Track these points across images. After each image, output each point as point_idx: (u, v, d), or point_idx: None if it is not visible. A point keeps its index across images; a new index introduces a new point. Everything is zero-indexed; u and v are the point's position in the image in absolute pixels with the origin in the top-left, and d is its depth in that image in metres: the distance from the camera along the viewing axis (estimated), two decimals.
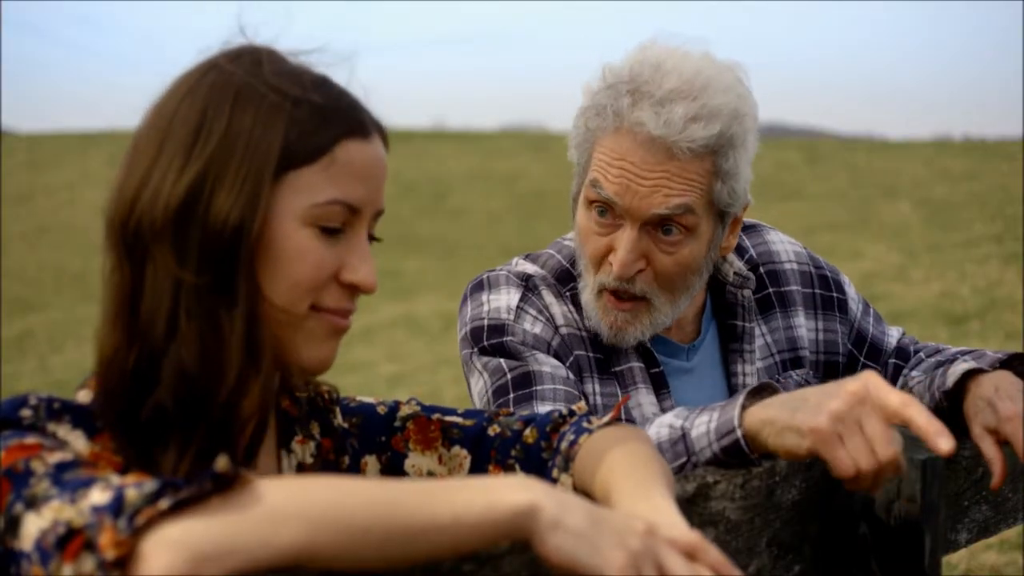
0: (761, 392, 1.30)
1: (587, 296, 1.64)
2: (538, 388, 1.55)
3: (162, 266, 1.00)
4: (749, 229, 1.84)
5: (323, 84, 1.07)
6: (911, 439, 1.22)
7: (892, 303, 8.63)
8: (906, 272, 9.80)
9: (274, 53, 1.08)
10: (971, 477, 1.56)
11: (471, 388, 1.64)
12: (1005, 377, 1.50)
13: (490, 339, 1.61)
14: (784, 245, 1.83)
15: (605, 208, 1.60)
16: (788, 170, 18.34)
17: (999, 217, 11.85)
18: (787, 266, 1.80)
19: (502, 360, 1.59)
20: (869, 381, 1.19)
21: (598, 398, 1.64)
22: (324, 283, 1.05)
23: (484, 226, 16.85)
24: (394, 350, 9.51)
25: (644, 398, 1.64)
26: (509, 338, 1.60)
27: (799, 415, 1.19)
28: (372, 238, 1.11)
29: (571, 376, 1.60)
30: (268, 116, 1.02)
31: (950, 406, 1.55)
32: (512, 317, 1.62)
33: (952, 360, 1.65)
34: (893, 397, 1.17)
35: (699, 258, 1.62)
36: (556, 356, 1.62)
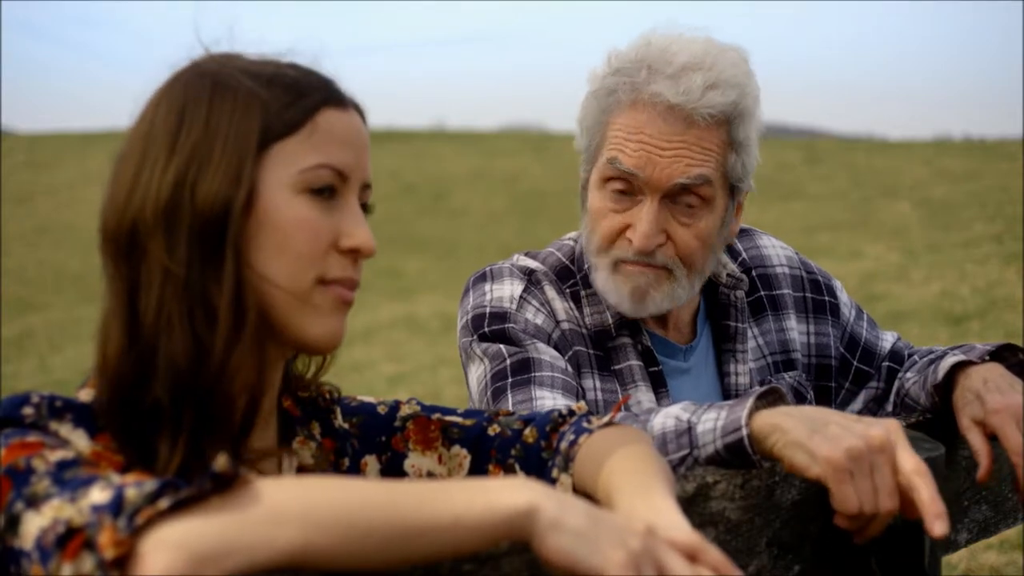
0: (768, 396, 1.30)
1: (603, 277, 1.64)
2: (536, 374, 1.55)
3: (154, 261, 1.02)
4: (741, 233, 1.84)
5: (294, 64, 1.10)
6: (909, 439, 1.22)
7: (892, 303, 8.63)
8: (906, 272, 9.79)
9: (240, 53, 1.11)
10: (971, 477, 1.56)
11: (469, 376, 1.64)
12: (994, 369, 1.50)
13: (491, 326, 1.62)
14: (776, 249, 1.84)
15: (624, 185, 1.61)
16: (788, 170, 18.34)
17: (999, 217, 11.85)
18: (778, 270, 1.81)
19: (502, 346, 1.59)
20: (892, 432, 1.18)
21: (599, 394, 1.64)
22: (324, 252, 1.06)
23: (484, 226, 16.85)
24: (394, 350, 9.51)
25: (643, 396, 1.65)
26: (511, 325, 1.61)
27: (816, 438, 1.18)
28: (364, 209, 1.12)
29: (570, 368, 1.60)
30: (245, 100, 1.05)
31: (941, 400, 1.55)
32: (514, 306, 1.63)
33: (943, 356, 1.66)
34: (909, 460, 1.17)
35: (714, 233, 1.64)
36: (556, 348, 1.62)
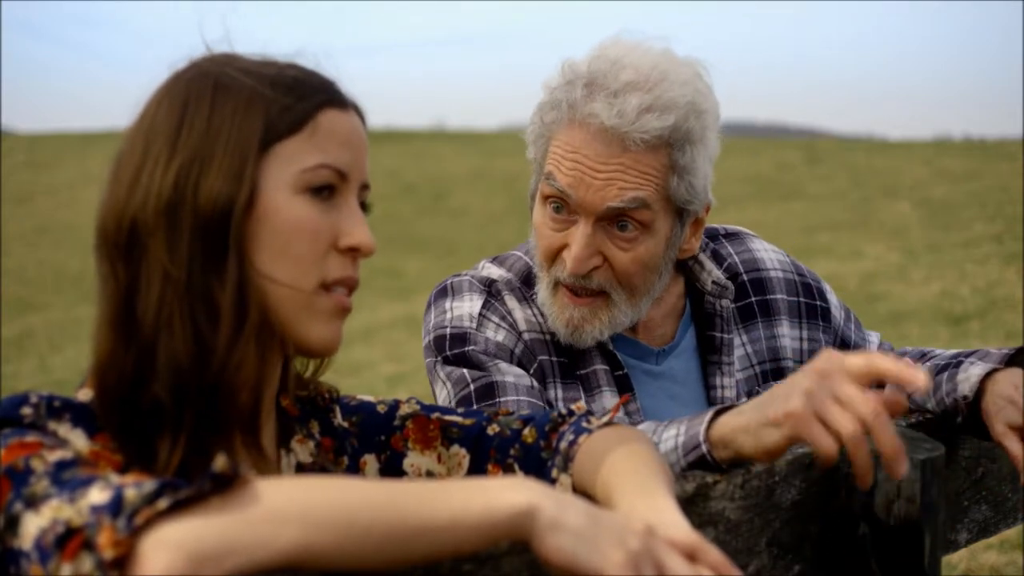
0: (729, 409, 1.29)
1: (543, 294, 1.62)
2: (501, 400, 1.53)
3: (155, 260, 1.01)
4: (732, 236, 1.81)
5: (295, 65, 1.10)
6: (909, 439, 1.22)
7: (892, 303, 8.63)
8: (906, 272, 9.79)
9: (240, 53, 1.11)
10: (971, 477, 1.56)
11: (435, 397, 1.62)
12: (1021, 374, 1.49)
13: (452, 348, 1.60)
14: (768, 253, 1.81)
15: (560, 204, 1.58)
16: (788, 170, 18.34)
17: (999, 217, 11.85)
18: (772, 274, 1.78)
19: (465, 370, 1.57)
20: (828, 355, 1.18)
21: (560, 404, 1.62)
22: (324, 252, 1.06)
23: (484, 226, 16.84)
24: (394, 350, 9.51)
25: (608, 401, 1.62)
26: (471, 348, 1.59)
27: (771, 410, 1.18)
28: (363, 209, 1.12)
29: (535, 385, 1.58)
30: (247, 100, 1.05)
31: (968, 408, 1.53)
32: (474, 325, 1.61)
33: (956, 364, 1.64)
34: (856, 359, 1.16)
35: (656, 256, 1.60)
36: (519, 364, 1.60)
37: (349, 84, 1.12)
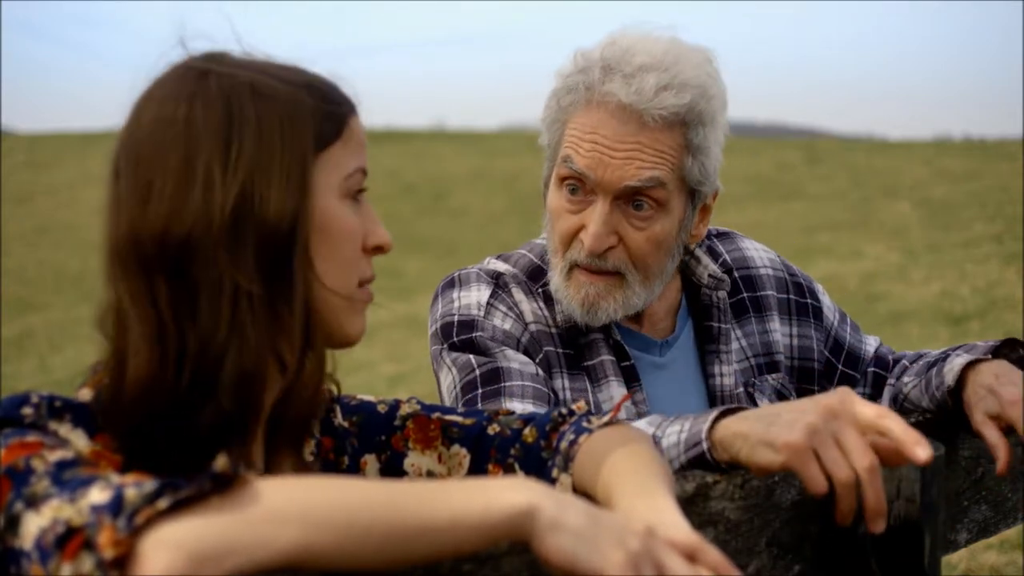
0: (735, 412, 1.28)
1: (557, 279, 1.64)
2: (506, 384, 1.55)
3: (216, 276, 0.99)
4: (723, 236, 1.84)
5: (313, 72, 1.10)
6: None
7: (892, 303, 8.64)
8: (906, 272, 9.80)
9: (235, 54, 1.09)
10: (971, 477, 1.56)
11: (440, 384, 1.64)
12: (1003, 365, 1.50)
13: (460, 335, 1.61)
14: (758, 252, 1.83)
15: (576, 185, 1.61)
16: (788, 170, 18.35)
17: (999, 217, 11.86)
18: (762, 271, 1.80)
19: (471, 356, 1.59)
20: (844, 396, 1.17)
21: (567, 393, 1.64)
22: (361, 254, 1.09)
23: (484, 226, 16.85)
24: (394, 350, 9.51)
25: (615, 391, 1.64)
26: (479, 334, 1.61)
27: (773, 429, 1.17)
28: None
29: (540, 373, 1.60)
30: (291, 107, 1.04)
31: (953, 401, 1.54)
32: (482, 313, 1.63)
33: (944, 358, 1.65)
34: (868, 409, 1.15)
35: (670, 236, 1.63)
36: (526, 352, 1.62)
37: (349, 84, 1.13)
